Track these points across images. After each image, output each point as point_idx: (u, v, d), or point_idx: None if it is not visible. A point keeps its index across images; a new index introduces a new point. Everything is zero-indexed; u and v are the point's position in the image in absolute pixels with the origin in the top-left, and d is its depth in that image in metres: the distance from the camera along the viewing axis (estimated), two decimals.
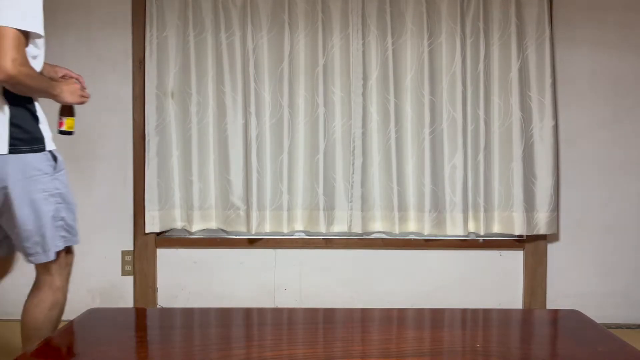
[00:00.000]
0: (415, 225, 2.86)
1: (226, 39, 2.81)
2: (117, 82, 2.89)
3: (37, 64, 1.75)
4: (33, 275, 2.97)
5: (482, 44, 2.78)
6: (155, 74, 2.81)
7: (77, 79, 1.91)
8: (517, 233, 2.84)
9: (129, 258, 2.93)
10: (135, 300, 2.93)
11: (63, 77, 1.93)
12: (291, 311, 1.74)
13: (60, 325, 1.54)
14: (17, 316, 2.95)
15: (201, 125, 2.86)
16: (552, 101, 2.77)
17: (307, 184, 2.85)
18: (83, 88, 1.90)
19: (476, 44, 2.79)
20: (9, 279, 2.96)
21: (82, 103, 1.89)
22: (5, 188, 1.64)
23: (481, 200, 2.82)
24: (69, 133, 1.94)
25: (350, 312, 1.69)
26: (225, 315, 1.76)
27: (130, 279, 2.94)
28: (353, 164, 2.80)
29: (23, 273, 2.97)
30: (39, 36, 1.67)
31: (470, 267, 2.90)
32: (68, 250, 1.90)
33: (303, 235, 2.89)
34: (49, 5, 2.87)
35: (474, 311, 1.81)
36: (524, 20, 2.78)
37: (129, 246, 2.93)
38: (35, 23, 1.64)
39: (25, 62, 1.59)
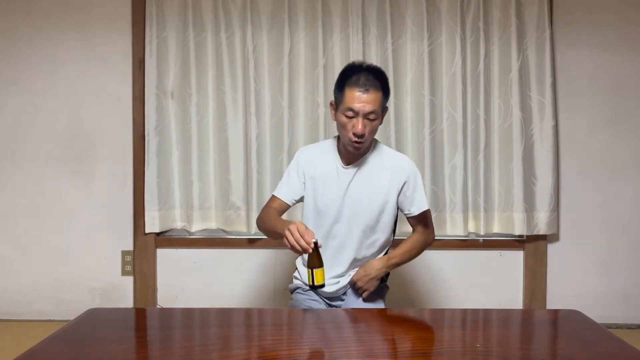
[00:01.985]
0: None
1: (226, 39, 2.82)
2: (117, 82, 2.89)
3: (314, 224, 1.92)
4: (33, 275, 2.98)
5: (482, 44, 2.78)
6: (155, 74, 2.81)
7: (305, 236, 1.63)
8: (517, 233, 2.84)
9: (129, 258, 2.94)
10: (135, 300, 2.93)
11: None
12: (291, 311, 1.74)
13: (61, 326, 1.54)
14: (17, 316, 2.96)
15: (201, 125, 2.86)
16: (552, 101, 2.77)
17: None
18: (302, 238, 1.61)
19: (476, 44, 2.79)
20: (8, 279, 2.96)
21: (289, 246, 1.64)
22: None
23: (481, 201, 2.82)
24: (317, 287, 1.67)
25: (350, 312, 1.69)
26: (225, 315, 1.75)
27: (130, 279, 2.94)
28: None
29: (23, 273, 2.98)
30: (280, 200, 1.96)
31: (470, 267, 2.90)
32: None
33: None
34: (48, 5, 2.89)
35: (474, 311, 1.81)
36: (524, 21, 2.78)
37: (129, 246, 2.93)
38: (278, 191, 1.98)
39: (260, 214, 1.97)
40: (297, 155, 1.98)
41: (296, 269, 2.06)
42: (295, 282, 2.03)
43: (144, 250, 2.92)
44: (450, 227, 2.82)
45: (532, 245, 2.88)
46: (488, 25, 2.80)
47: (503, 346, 1.45)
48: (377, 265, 1.91)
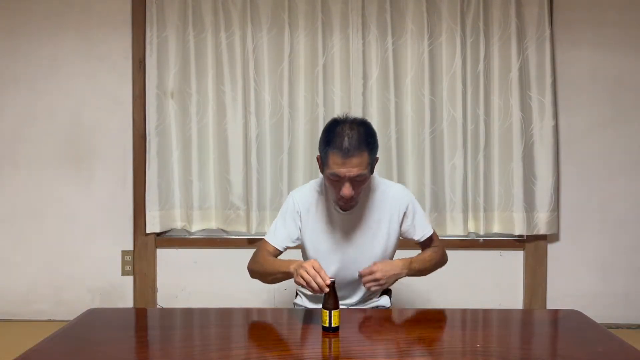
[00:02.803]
0: None
1: (226, 39, 2.81)
2: (117, 82, 2.89)
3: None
4: (33, 275, 2.98)
5: (482, 44, 2.78)
6: (155, 74, 2.81)
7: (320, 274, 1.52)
8: (517, 233, 2.84)
9: (129, 258, 2.93)
10: (135, 300, 2.93)
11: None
12: (291, 311, 1.74)
13: (61, 326, 1.54)
14: (17, 316, 2.96)
15: (201, 125, 2.86)
16: (552, 101, 2.77)
17: None
18: (318, 275, 1.51)
19: (476, 44, 2.79)
20: (8, 279, 2.96)
21: (304, 284, 1.54)
22: None
23: (481, 200, 2.82)
24: (334, 329, 1.48)
25: (350, 312, 1.69)
26: (225, 315, 1.75)
27: (130, 279, 2.94)
28: None
29: (23, 273, 2.98)
30: (274, 248, 1.85)
31: (470, 267, 2.90)
32: None
33: None
34: (48, 5, 2.89)
35: (474, 311, 1.81)
36: (524, 20, 2.78)
37: (129, 246, 2.93)
38: (271, 236, 1.86)
39: (252, 260, 1.86)
40: (290, 198, 1.87)
41: (297, 294, 2.02)
42: (296, 307, 1.95)
43: (144, 250, 2.92)
44: (450, 227, 2.82)
45: (532, 245, 2.88)
46: (488, 25, 2.80)
47: (503, 346, 1.45)
48: (399, 264, 1.76)
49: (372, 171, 1.74)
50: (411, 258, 1.83)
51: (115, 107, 2.90)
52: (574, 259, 2.91)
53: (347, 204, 1.73)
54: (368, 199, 1.83)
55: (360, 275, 1.72)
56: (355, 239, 1.82)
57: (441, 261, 1.94)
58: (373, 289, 1.73)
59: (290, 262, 1.65)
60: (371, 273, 1.69)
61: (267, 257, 1.80)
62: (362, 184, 1.70)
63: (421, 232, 1.88)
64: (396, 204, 1.84)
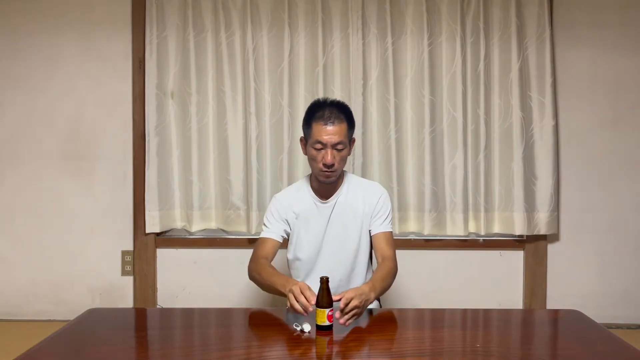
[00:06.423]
0: (415, 225, 2.86)
1: (226, 39, 2.81)
2: (117, 82, 2.89)
3: (298, 269, 1.97)
4: (33, 275, 2.98)
5: (482, 44, 2.78)
6: (155, 74, 2.81)
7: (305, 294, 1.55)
8: (517, 233, 2.84)
9: (129, 258, 2.94)
10: (135, 300, 2.93)
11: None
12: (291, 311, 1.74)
13: (61, 326, 1.54)
14: (17, 316, 2.96)
15: (201, 125, 2.86)
16: (552, 101, 2.77)
17: None
18: (302, 295, 1.53)
19: (476, 44, 2.79)
20: (8, 279, 2.96)
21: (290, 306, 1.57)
22: None
23: (481, 200, 2.82)
24: (324, 327, 1.49)
25: None
26: (225, 315, 1.75)
27: (130, 279, 2.94)
28: (353, 164, 2.80)
29: (23, 273, 2.98)
30: (273, 240, 1.93)
31: (470, 267, 2.90)
32: None
33: None
34: (48, 5, 2.89)
35: (474, 311, 1.81)
36: (524, 20, 2.78)
37: (129, 246, 2.93)
38: (267, 231, 1.94)
39: (252, 261, 1.88)
40: (272, 202, 1.99)
41: None
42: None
43: (144, 250, 2.92)
44: (451, 227, 2.82)
45: (532, 245, 2.88)
46: (488, 25, 2.80)
47: (503, 346, 1.45)
48: (366, 288, 1.62)
49: (350, 150, 1.90)
50: (372, 280, 1.73)
51: (115, 107, 2.90)
52: (574, 259, 2.91)
53: (329, 171, 1.83)
54: (347, 191, 1.95)
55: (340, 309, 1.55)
56: (335, 227, 1.92)
57: (394, 274, 1.88)
58: (349, 322, 1.54)
59: (287, 281, 1.66)
60: (348, 302, 1.53)
61: (265, 266, 1.81)
62: (342, 153, 1.85)
63: (378, 225, 1.94)
64: (372, 194, 1.96)
